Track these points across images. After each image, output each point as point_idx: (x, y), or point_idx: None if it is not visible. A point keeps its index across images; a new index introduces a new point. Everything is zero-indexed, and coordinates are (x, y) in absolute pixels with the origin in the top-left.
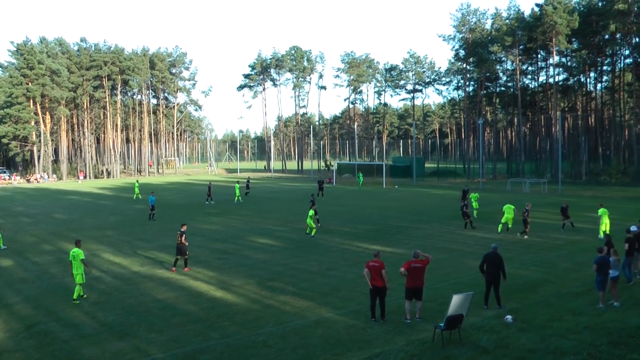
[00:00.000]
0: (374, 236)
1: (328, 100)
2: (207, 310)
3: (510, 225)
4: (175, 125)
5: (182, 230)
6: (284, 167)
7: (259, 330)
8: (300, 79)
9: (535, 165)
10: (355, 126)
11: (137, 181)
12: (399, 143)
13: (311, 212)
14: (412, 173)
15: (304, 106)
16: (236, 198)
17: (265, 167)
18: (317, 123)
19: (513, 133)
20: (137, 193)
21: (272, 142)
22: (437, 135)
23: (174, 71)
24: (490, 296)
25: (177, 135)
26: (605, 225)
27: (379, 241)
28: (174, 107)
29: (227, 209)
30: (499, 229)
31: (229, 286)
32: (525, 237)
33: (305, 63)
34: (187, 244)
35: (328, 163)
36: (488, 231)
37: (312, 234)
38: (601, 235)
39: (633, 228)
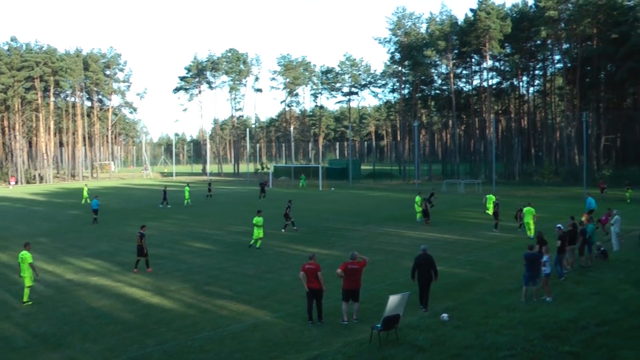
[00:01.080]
0: (311, 239)
1: (264, 103)
2: (143, 317)
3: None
4: (109, 128)
5: (141, 232)
6: (220, 170)
7: (195, 336)
8: (237, 81)
9: (469, 167)
10: (292, 129)
11: (86, 185)
12: (335, 145)
13: (257, 219)
14: (348, 175)
15: (240, 109)
16: (186, 201)
17: (201, 170)
18: (253, 126)
19: (448, 135)
20: (86, 197)
21: (208, 145)
22: (373, 137)
23: (108, 73)
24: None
25: (111, 138)
26: (529, 226)
27: (316, 243)
28: (108, 109)
29: (162, 213)
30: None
31: (165, 292)
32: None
33: (242, 66)
34: (145, 245)
35: (264, 166)
36: (423, 231)
37: (258, 245)
38: (531, 234)
39: (558, 226)
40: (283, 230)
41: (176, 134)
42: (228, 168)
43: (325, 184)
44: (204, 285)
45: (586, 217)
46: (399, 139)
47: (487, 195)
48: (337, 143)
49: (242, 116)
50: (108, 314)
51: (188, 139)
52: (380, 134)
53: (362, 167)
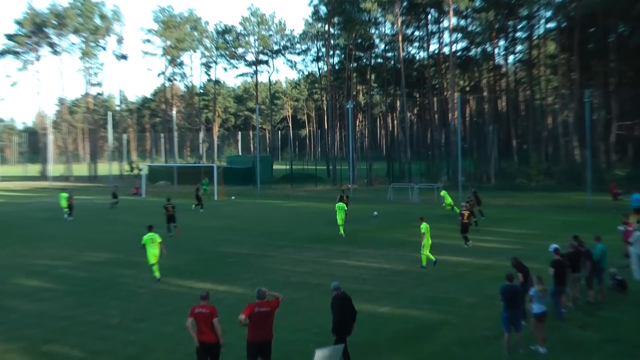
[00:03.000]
0: (202, 270)
1: (134, 76)
2: None
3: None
4: None
5: None
6: (68, 173)
7: None
8: (92, 43)
9: (426, 165)
10: (174, 113)
11: None
12: (236, 136)
13: (148, 236)
14: (255, 178)
15: (98, 84)
16: (66, 212)
17: (40, 172)
18: (118, 108)
19: (395, 121)
20: None
21: (51, 137)
22: (290, 124)
23: None
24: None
25: None
26: (425, 248)
27: (209, 277)
28: None
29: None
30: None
31: None
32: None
33: (98, 21)
34: None
35: (134, 166)
36: (360, 257)
37: (157, 275)
38: (424, 261)
39: (553, 247)
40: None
41: (1, 120)
42: (81, 169)
43: (222, 191)
44: (43, 344)
45: (635, 216)
46: (326, 127)
47: (442, 192)
48: (240, 133)
49: (100, 94)
50: None
51: (20, 127)
52: (300, 119)
53: (275, 167)
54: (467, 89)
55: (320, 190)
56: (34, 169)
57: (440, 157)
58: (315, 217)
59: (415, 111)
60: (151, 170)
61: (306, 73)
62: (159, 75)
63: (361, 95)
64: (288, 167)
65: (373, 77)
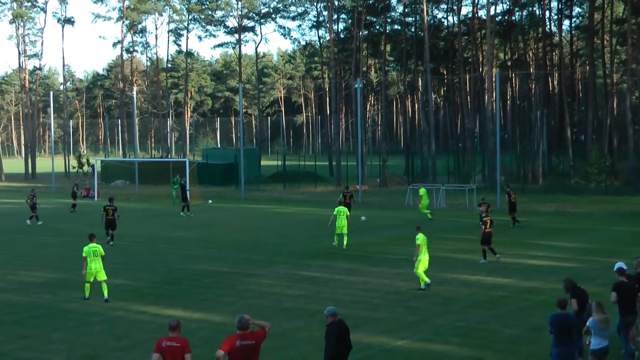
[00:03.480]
0: (170, 293)
1: (82, 46)
2: None
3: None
4: None
5: None
6: None
7: None
8: (26, 2)
9: (455, 162)
10: (135, 93)
11: None
12: (214, 123)
13: (89, 247)
14: (237, 177)
15: (35, 55)
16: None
17: None
18: (62, 87)
19: (416, 105)
20: None
21: None
22: (283, 109)
23: None
24: None
25: None
26: (420, 265)
27: (180, 301)
28: None
29: None
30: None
31: None
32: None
33: None
34: None
35: (82, 161)
36: (371, 277)
37: (105, 294)
38: (421, 281)
39: (618, 266)
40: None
41: None
42: (13, 165)
43: (196, 193)
44: None
45: None
46: (328, 112)
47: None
48: (218, 119)
49: (39, 69)
50: None
51: None
52: (296, 103)
53: (264, 163)
54: (509, 63)
55: (321, 193)
56: None
57: (473, 150)
58: (314, 227)
59: (442, 92)
60: (105, 166)
61: (303, 43)
62: (114, 45)
63: (373, 71)
64: (280, 162)
65: (388, 48)
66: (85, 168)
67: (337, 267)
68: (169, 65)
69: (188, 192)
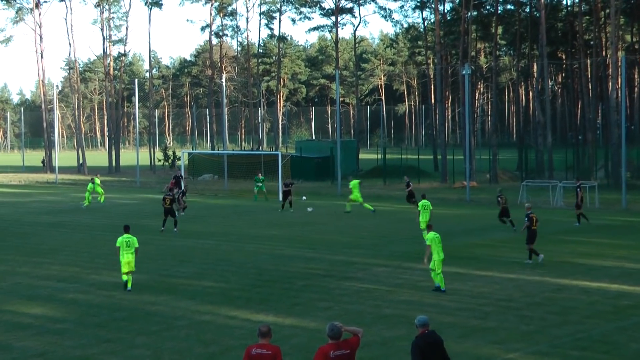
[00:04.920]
0: (261, 296)
1: (169, 30)
2: None
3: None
4: None
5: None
6: (80, 162)
7: None
8: None
9: (574, 156)
10: (224, 81)
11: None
12: (308, 114)
13: (123, 238)
14: (334, 172)
15: (120, 41)
16: (86, 202)
17: (42, 161)
18: (147, 75)
19: (531, 93)
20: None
21: (57, 113)
22: (383, 97)
23: None
24: None
25: None
26: (436, 266)
27: (271, 306)
28: None
29: None
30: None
31: None
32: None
33: None
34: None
35: (169, 153)
36: (479, 282)
37: (128, 285)
38: (441, 283)
39: None
40: None
41: None
42: (98, 157)
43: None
44: None
45: None
46: (432, 101)
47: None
48: (313, 109)
49: (124, 55)
50: None
51: (15, 99)
52: (397, 91)
53: (362, 156)
54: (637, 46)
55: (425, 189)
56: (34, 157)
57: (595, 144)
58: (418, 226)
59: (560, 79)
60: (192, 159)
61: (405, 26)
62: (202, 29)
63: (483, 56)
64: (380, 156)
65: (500, 30)
66: (171, 161)
67: (442, 271)
68: (261, 51)
69: (262, 189)
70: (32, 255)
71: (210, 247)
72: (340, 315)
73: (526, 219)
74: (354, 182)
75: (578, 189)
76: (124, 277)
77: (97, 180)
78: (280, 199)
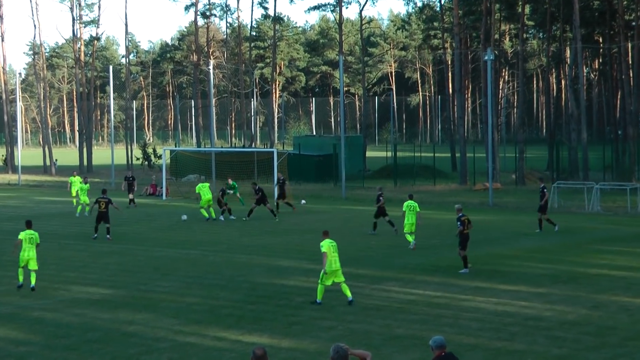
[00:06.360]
0: (254, 314)
1: (148, 10)
2: None
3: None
4: None
5: None
6: (48, 162)
7: None
8: None
9: (612, 154)
10: (211, 68)
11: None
12: (308, 105)
13: (25, 233)
14: (337, 172)
15: (92, 22)
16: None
17: (3, 160)
18: (123, 61)
19: (563, 82)
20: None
21: (19, 105)
22: (394, 87)
23: None
24: None
25: None
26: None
27: (266, 325)
28: None
29: None
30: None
31: None
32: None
33: None
34: None
35: (148, 150)
36: (504, 297)
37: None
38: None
39: None
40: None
41: None
42: (67, 156)
43: (287, 191)
44: None
45: None
46: (450, 90)
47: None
48: (313, 100)
49: (97, 38)
50: None
51: None
52: (410, 79)
53: (370, 154)
54: None
55: (441, 192)
56: None
57: (636, 140)
58: (434, 234)
59: (597, 65)
60: (176, 157)
61: (419, 4)
62: (187, 8)
63: (507, 40)
64: (389, 154)
65: (527, 10)
66: (153, 160)
67: (461, 285)
68: (254, 34)
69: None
70: None
71: (196, 258)
72: (345, 336)
73: (458, 222)
74: (202, 185)
75: (543, 190)
76: (20, 271)
77: (77, 180)
78: (276, 198)
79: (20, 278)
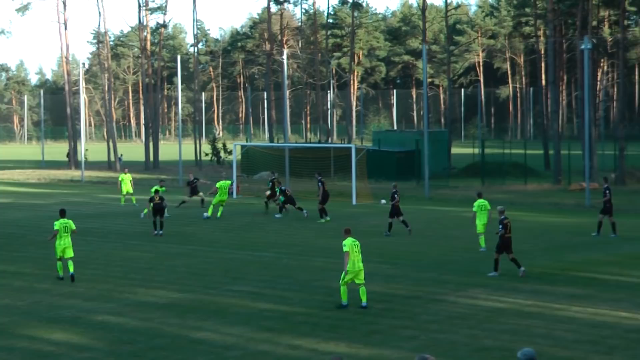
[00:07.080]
0: (331, 321)
1: None
2: None
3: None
4: None
5: None
6: (112, 157)
7: None
8: None
9: None
10: (285, 57)
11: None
12: (388, 97)
13: (60, 222)
14: (420, 170)
15: (158, 9)
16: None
17: (68, 155)
18: (191, 50)
19: None
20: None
21: (83, 97)
22: (481, 78)
23: None
24: None
25: None
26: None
27: (343, 333)
28: None
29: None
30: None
31: None
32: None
33: None
34: None
35: (218, 145)
36: (603, 306)
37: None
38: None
39: None
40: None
41: (3, 69)
42: (132, 151)
43: (365, 190)
44: None
45: None
46: (543, 82)
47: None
48: (394, 92)
49: (163, 26)
50: None
51: (33, 80)
52: (499, 70)
53: (455, 150)
54: None
55: (533, 192)
56: (56, 150)
57: None
58: (525, 238)
59: None
60: (247, 153)
61: None
62: None
63: (607, 27)
64: (477, 150)
65: None
66: (223, 155)
67: (556, 293)
68: (330, 21)
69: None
70: (53, 269)
71: (269, 261)
72: (428, 347)
73: (500, 225)
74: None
75: (605, 191)
76: (59, 264)
77: (127, 177)
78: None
79: (60, 271)
